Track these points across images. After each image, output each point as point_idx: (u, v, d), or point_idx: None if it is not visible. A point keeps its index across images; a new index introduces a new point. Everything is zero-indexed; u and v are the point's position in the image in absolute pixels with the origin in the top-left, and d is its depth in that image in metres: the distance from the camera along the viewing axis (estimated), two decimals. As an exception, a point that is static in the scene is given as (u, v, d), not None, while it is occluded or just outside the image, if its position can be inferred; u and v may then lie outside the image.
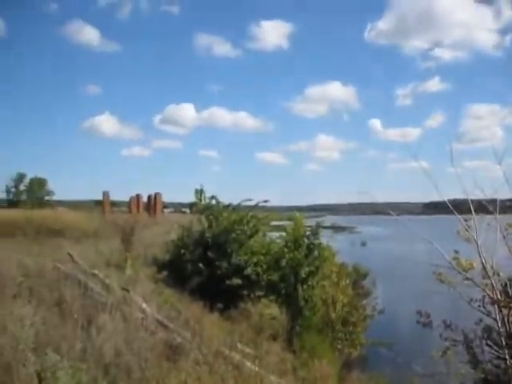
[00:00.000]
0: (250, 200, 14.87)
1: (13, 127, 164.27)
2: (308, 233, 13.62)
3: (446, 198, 6.83)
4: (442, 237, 7.07)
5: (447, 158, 6.70)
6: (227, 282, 12.63)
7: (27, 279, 8.93)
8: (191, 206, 44.86)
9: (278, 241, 14.36)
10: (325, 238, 14.58)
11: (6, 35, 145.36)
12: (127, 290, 8.99)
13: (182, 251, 14.16)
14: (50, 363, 5.01)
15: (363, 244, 53.24)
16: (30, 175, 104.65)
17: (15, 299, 7.52)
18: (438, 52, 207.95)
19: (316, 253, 13.17)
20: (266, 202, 15.39)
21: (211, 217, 14.30)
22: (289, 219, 14.59)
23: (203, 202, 14.99)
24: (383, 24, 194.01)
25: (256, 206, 14.91)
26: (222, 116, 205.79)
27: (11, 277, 8.96)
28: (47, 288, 8.53)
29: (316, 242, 13.37)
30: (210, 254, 13.30)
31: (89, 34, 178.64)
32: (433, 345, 7.08)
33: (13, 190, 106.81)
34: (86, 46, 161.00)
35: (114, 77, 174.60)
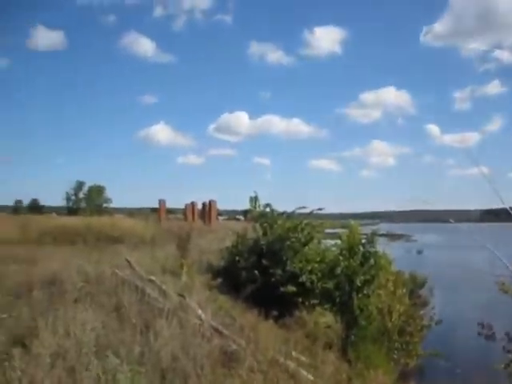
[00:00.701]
0: (304, 207, 14.81)
1: (72, 137, 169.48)
2: (363, 241, 13.44)
3: (508, 206, 6.62)
4: (507, 244, 6.85)
5: (508, 164, 6.48)
6: (282, 289, 12.59)
7: (87, 285, 9.17)
8: (245, 213, 45.05)
9: (333, 248, 14.24)
10: (380, 245, 14.38)
11: (67, 47, 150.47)
12: (183, 296, 9.09)
13: (237, 258, 14.24)
14: (111, 366, 5.13)
15: (419, 252, 52.16)
16: (88, 183, 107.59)
17: (76, 304, 7.74)
18: (497, 54, 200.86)
19: (372, 261, 12.97)
20: (320, 209, 15.30)
21: (266, 224, 14.30)
22: (343, 227, 14.45)
23: (258, 209, 15.02)
24: (439, 26, 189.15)
25: (310, 214, 14.83)
26: (275, 123, 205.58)
27: (72, 282, 9.23)
28: (106, 294, 8.73)
29: (372, 250, 13.19)
30: (264, 261, 13.30)
31: (144, 46, 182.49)
32: (492, 357, 6.89)
33: (72, 197, 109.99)
34: (141, 58, 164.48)
35: (168, 87, 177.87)
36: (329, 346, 10.42)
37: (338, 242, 14.02)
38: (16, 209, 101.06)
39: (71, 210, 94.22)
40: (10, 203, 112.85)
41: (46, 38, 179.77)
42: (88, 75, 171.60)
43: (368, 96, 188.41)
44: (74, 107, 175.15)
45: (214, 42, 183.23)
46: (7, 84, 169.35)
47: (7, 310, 9.02)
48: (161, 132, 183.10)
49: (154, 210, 52.30)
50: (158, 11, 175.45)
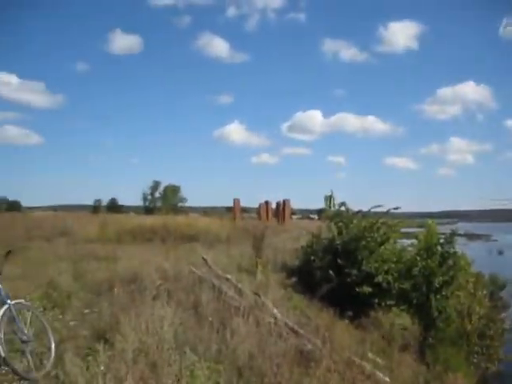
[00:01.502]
0: (380, 206, 14.57)
1: (148, 137, 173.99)
2: (441, 240, 13.12)
3: None
4: None
5: None
6: (357, 289, 12.46)
7: (165, 282, 9.38)
8: (319, 212, 44.63)
9: (410, 248, 13.98)
10: (459, 246, 13.98)
11: (143, 50, 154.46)
12: (258, 295, 9.15)
13: (312, 258, 14.20)
14: (190, 362, 5.23)
15: (500, 253, 50.23)
16: (164, 183, 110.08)
17: (154, 301, 7.93)
18: None
19: (450, 262, 12.65)
20: (396, 208, 15.01)
21: (341, 224, 14.18)
22: (420, 226, 14.15)
23: (333, 208, 14.92)
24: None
25: (386, 213, 14.58)
26: (349, 121, 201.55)
27: (151, 280, 9.47)
28: (184, 291, 8.91)
29: (451, 250, 12.85)
30: (339, 261, 13.20)
31: (218, 46, 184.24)
32: None
33: (149, 197, 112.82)
34: (215, 58, 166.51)
35: (242, 86, 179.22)
36: (405, 348, 10.24)
37: (415, 241, 13.78)
38: (95, 208, 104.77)
39: (148, 209, 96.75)
40: (90, 203, 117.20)
41: (122, 41, 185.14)
42: (164, 77, 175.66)
43: (445, 91, 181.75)
44: (150, 108, 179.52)
45: (287, 40, 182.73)
46: (86, 87, 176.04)
47: (89, 306, 9.38)
48: (235, 131, 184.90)
49: (228, 209, 52.89)
50: (231, 11, 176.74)
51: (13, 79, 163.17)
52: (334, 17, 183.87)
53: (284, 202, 44.52)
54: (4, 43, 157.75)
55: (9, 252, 6.47)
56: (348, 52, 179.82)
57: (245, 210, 53.87)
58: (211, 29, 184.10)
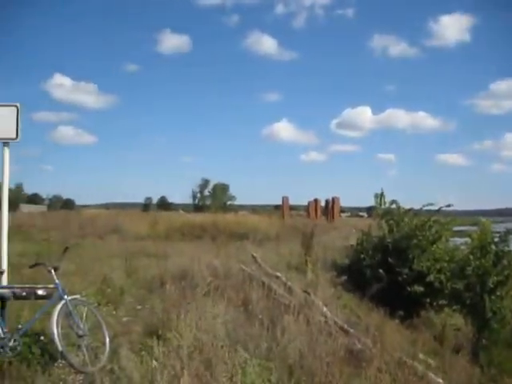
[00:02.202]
0: (432, 204, 14.30)
1: (198, 135, 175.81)
2: (496, 239, 12.78)
3: None
4: None
5: None
6: (408, 288, 12.28)
7: (215, 280, 9.46)
8: (369, 210, 44.06)
9: (462, 247, 13.68)
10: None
11: (192, 50, 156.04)
12: (308, 293, 9.13)
13: (362, 256, 14.07)
14: (241, 360, 5.26)
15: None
16: (213, 181, 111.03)
17: (205, 298, 8.02)
18: None
19: (505, 261, 12.30)
20: (448, 206, 14.69)
21: (391, 222, 14.00)
22: (473, 224, 13.83)
23: (383, 206, 14.74)
24: None
25: (438, 211, 14.30)
26: (399, 117, 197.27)
27: (201, 277, 9.57)
28: (233, 288, 8.97)
29: (505, 249, 12.50)
30: (390, 259, 13.04)
31: (267, 44, 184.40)
32: None
33: (198, 195, 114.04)
34: (264, 56, 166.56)
35: (291, 84, 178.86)
36: (457, 349, 10.03)
37: (468, 240, 13.48)
38: (146, 206, 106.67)
39: (197, 207, 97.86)
40: (141, 201, 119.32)
41: (172, 41, 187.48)
42: (213, 75, 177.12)
43: (500, 85, 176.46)
44: (199, 107, 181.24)
45: (335, 37, 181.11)
46: (137, 87, 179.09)
47: (142, 302, 9.55)
48: (283, 129, 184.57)
49: (277, 207, 52.98)
50: (279, 9, 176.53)
51: (66, 81, 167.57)
52: (383, 12, 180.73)
53: (333, 199, 44.24)
54: (57, 46, 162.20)
55: (66, 249, 6.68)
56: (397, 47, 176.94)
57: (293, 208, 53.82)
58: (259, 27, 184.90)
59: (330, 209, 44.07)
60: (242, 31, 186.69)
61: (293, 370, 5.75)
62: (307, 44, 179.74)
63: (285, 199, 43.92)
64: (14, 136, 6.54)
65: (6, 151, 6.56)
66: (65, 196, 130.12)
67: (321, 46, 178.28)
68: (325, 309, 8.62)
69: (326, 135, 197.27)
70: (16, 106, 6.58)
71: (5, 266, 6.41)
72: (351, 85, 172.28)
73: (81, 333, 6.20)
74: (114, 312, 8.74)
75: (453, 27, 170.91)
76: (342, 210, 61.94)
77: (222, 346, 5.82)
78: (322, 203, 46.38)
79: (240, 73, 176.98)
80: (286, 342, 6.35)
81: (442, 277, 12.53)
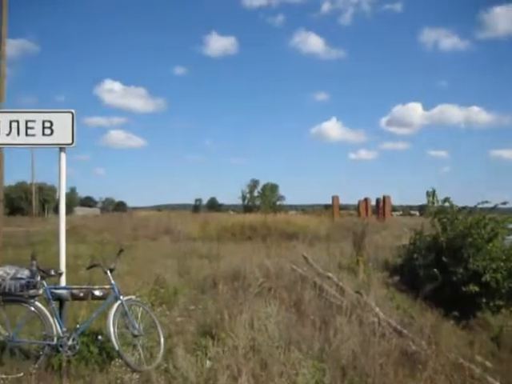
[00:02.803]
0: (487, 202, 13.94)
1: (245, 136, 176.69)
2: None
3: None
4: None
5: None
6: (463, 288, 12.01)
7: (267, 280, 9.49)
8: (421, 208, 43.25)
9: (520, 246, 13.31)
10: None
11: (239, 52, 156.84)
12: (360, 294, 9.05)
13: (414, 255, 13.84)
14: (295, 361, 5.27)
15: None
16: (262, 181, 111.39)
17: (257, 298, 8.06)
18: None
19: None
20: (504, 203, 14.30)
21: (445, 220, 13.72)
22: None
23: (435, 204, 14.46)
24: None
25: (494, 208, 13.93)
26: (452, 113, 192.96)
27: (253, 277, 9.62)
28: (285, 289, 8.98)
29: None
30: (444, 258, 12.78)
31: (313, 43, 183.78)
32: None
33: (247, 195, 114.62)
34: (311, 55, 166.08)
35: (339, 82, 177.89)
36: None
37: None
38: (196, 207, 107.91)
39: (246, 208, 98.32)
40: (191, 202, 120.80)
41: (218, 43, 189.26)
42: (260, 76, 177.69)
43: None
44: (247, 108, 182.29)
45: (383, 32, 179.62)
46: (185, 90, 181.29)
47: (194, 303, 9.67)
48: (332, 128, 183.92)
49: (326, 206, 52.72)
50: (325, 7, 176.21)
51: (117, 86, 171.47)
52: (432, 4, 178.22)
53: (384, 198, 43.64)
54: (107, 52, 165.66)
55: (121, 251, 6.85)
56: (448, 40, 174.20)
57: (344, 207, 53.45)
58: (305, 26, 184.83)
59: (380, 208, 43.51)
60: (287, 31, 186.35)
61: (346, 371, 5.72)
62: (354, 41, 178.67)
63: (335, 198, 43.63)
64: (70, 141, 6.72)
65: (63, 156, 6.75)
66: (117, 199, 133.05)
67: (368, 42, 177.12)
68: (377, 309, 8.52)
69: (376, 133, 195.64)
70: (71, 112, 6.76)
71: (63, 268, 6.60)
72: (401, 81, 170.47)
73: (136, 332, 6.35)
74: (168, 312, 8.88)
75: (505, 18, 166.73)
76: (393, 209, 61.04)
77: (277, 347, 5.85)
78: (373, 202, 45.87)
79: (287, 73, 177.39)
80: (339, 343, 6.32)
81: (499, 276, 12.18)
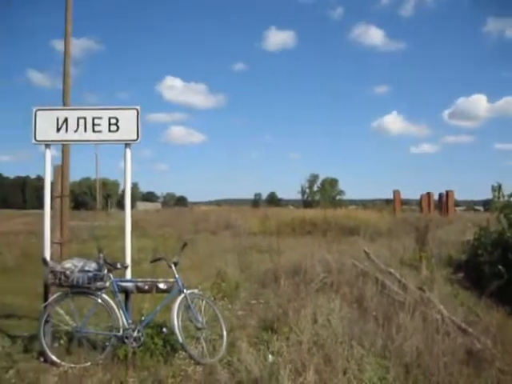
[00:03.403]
0: (558, 197, 13.44)
1: (305, 131, 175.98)
2: None
3: None
4: None
5: None
6: (532, 286, 11.63)
7: (329, 275, 9.47)
8: (485, 203, 42.06)
9: None
10: None
11: (298, 46, 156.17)
12: (423, 290, 8.91)
13: (479, 252, 13.48)
14: (358, 356, 5.25)
15: None
16: (322, 176, 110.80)
17: (318, 293, 8.06)
18: None
19: None
20: None
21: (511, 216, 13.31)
22: None
23: (501, 199, 14.04)
24: None
25: None
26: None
27: (315, 272, 9.61)
28: (347, 284, 8.93)
29: None
30: (510, 255, 12.41)
31: (373, 35, 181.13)
32: None
33: (307, 190, 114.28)
34: (371, 48, 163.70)
35: (400, 75, 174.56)
36: None
37: None
38: (255, 202, 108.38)
39: (306, 203, 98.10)
40: (251, 197, 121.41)
41: (277, 38, 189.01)
42: (319, 70, 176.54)
43: None
44: (307, 102, 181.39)
45: (445, 23, 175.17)
46: (245, 85, 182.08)
47: (255, 297, 9.76)
48: (393, 122, 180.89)
49: (387, 201, 51.95)
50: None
51: (177, 83, 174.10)
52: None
53: (447, 193, 42.59)
54: (168, 49, 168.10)
55: (184, 245, 7.00)
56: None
57: (405, 202, 52.55)
58: (365, 18, 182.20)
59: (443, 203, 42.48)
60: (347, 24, 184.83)
61: (409, 368, 5.65)
62: (415, 32, 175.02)
63: (396, 193, 42.94)
64: (135, 137, 6.90)
65: (128, 152, 6.93)
66: (178, 193, 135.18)
67: (430, 33, 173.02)
68: (441, 306, 8.36)
69: (438, 126, 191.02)
70: (136, 109, 6.94)
71: (129, 261, 6.79)
72: (464, 72, 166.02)
73: (199, 325, 6.48)
74: (230, 306, 9.00)
75: None
76: (457, 204, 59.54)
77: (340, 342, 5.84)
78: (435, 197, 44.87)
79: (347, 66, 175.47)
80: (402, 340, 6.25)
81: None
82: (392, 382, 5.22)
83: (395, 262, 11.88)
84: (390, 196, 44.77)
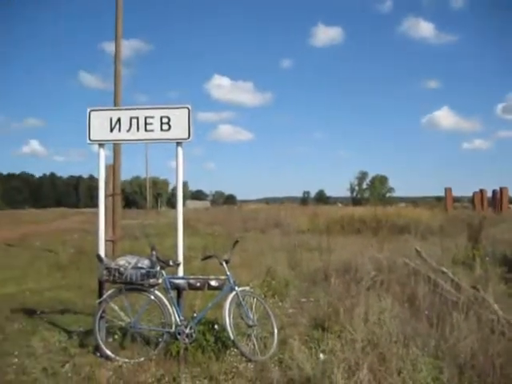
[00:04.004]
0: None
1: (353, 128, 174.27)
2: None
3: None
4: None
5: None
6: None
7: (379, 274, 9.37)
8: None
9: None
10: None
11: (346, 41, 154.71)
12: (477, 289, 8.71)
13: (536, 250, 13.13)
14: (413, 356, 5.19)
15: None
16: (371, 173, 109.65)
17: (369, 292, 7.98)
18: None
19: None
20: None
21: None
22: None
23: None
24: None
25: None
26: None
27: (365, 271, 9.53)
28: (398, 283, 8.82)
29: None
30: None
31: (423, 29, 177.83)
32: None
33: (356, 188, 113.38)
34: (421, 42, 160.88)
35: (451, 69, 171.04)
36: None
37: None
38: (304, 199, 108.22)
39: (355, 200, 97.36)
40: (299, 194, 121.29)
41: (325, 34, 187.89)
42: (368, 65, 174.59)
43: None
44: (355, 99, 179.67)
45: (498, 14, 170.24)
46: (293, 83, 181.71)
47: (305, 295, 9.74)
48: (444, 117, 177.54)
49: (438, 198, 51.06)
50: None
51: (225, 81, 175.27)
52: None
53: (501, 189, 41.53)
54: (216, 48, 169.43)
55: (236, 242, 7.05)
56: None
57: (457, 199, 51.49)
58: (414, 11, 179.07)
59: (497, 200, 41.43)
60: (396, 17, 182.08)
61: (463, 369, 5.53)
62: (467, 25, 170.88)
63: (447, 190, 42.16)
64: (187, 136, 6.98)
65: (180, 151, 7.02)
66: (226, 192, 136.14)
67: (482, 25, 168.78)
68: (496, 306, 8.16)
69: (491, 121, 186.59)
70: (188, 108, 7.02)
71: (181, 259, 6.88)
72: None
73: (251, 323, 6.51)
74: (280, 304, 9.01)
75: None
76: (511, 201, 58.00)
77: (395, 342, 5.77)
78: (489, 194, 43.80)
79: (395, 61, 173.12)
80: (455, 341, 6.12)
81: None
82: (446, 383, 5.12)
83: (447, 260, 11.66)
84: (441, 193, 44.05)
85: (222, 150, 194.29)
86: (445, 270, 9.81)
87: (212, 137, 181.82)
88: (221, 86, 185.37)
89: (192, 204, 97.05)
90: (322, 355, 5.84)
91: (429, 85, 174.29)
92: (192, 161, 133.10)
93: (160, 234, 23.55)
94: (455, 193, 46.39)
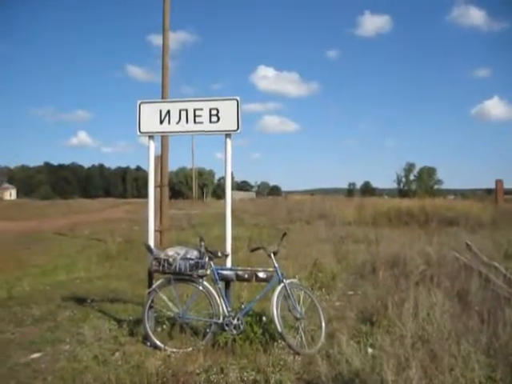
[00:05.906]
0: None
1: (401, 118, 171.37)
2: None
3: None
4: None
5: None
6: None
7: (429, 268, 9.21)
8: None
9: None
10: None
11: (393, 30, 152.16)
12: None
13: None
14: (464, 353, 5.07)
15: None
16: (419, 165, 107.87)
17: (418, 286, 7.85)
18: None
19: None
20: None
21: None
22: None
23: None
24: None
25: None
26: None
27: (414, 264, 9.38)
28: (448, 278, 8.64)
29: None
30: None
31: (473, 16, 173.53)
32: None
33: (403, 179, 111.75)
34: (471, 29, 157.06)
35: (503, 57, 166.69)
36: None
37: None
38: (350, 191, 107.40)
39: (402, 192, 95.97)
40: (344, 186, 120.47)
41: (372, 23, 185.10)
42: (416, 54, 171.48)
43: None
44: (402, 89, 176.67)
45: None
46: (339, 73, 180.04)
47: (353, 288, 9.66)
48: (495, 107, 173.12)
49: (488, 191, 49.81)
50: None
51: (270, 72, 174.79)
52: None
53: (554, 182, 40.33)
54: (261, 39, 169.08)
55: (284, 234, 7.05)
56: None
57: (509, 192, 50.16)
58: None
59: (550, 192, 40.25)
60: (445, 4, 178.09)
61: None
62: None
63: (498, 182, 41.06)
64: (236, 127, 6.97)
65: (229, 142, 7.03)
66: (271, 182, 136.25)
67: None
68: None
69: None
70: (236, 100, 7.01)
71: (229, 250, 6.91)
72: None
73: (298, 315, 6.49)
74: (327, 296, 8.96)
75: None
76: None
77: (446, 338, 5.67)
78: (542, 186, 42.56)
79: (444, 49, 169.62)
80: (508, 338, 5.96)
81: None
82: (499, 381, 4.99)
83: (499, 255, 11.38)
84: (492, 185, 42.91)
85: (267, 140, 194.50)
86: (496, 264, 9.58)
87: (257, 128, 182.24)
88: (266, 76, 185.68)
89: (237, 195, 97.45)
90: (370, 350, 5.78)
91: (478, 74, 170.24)
92: (238, 152, 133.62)
93: (206, 224, 23.76)
94: (507, 185, 45.20)
